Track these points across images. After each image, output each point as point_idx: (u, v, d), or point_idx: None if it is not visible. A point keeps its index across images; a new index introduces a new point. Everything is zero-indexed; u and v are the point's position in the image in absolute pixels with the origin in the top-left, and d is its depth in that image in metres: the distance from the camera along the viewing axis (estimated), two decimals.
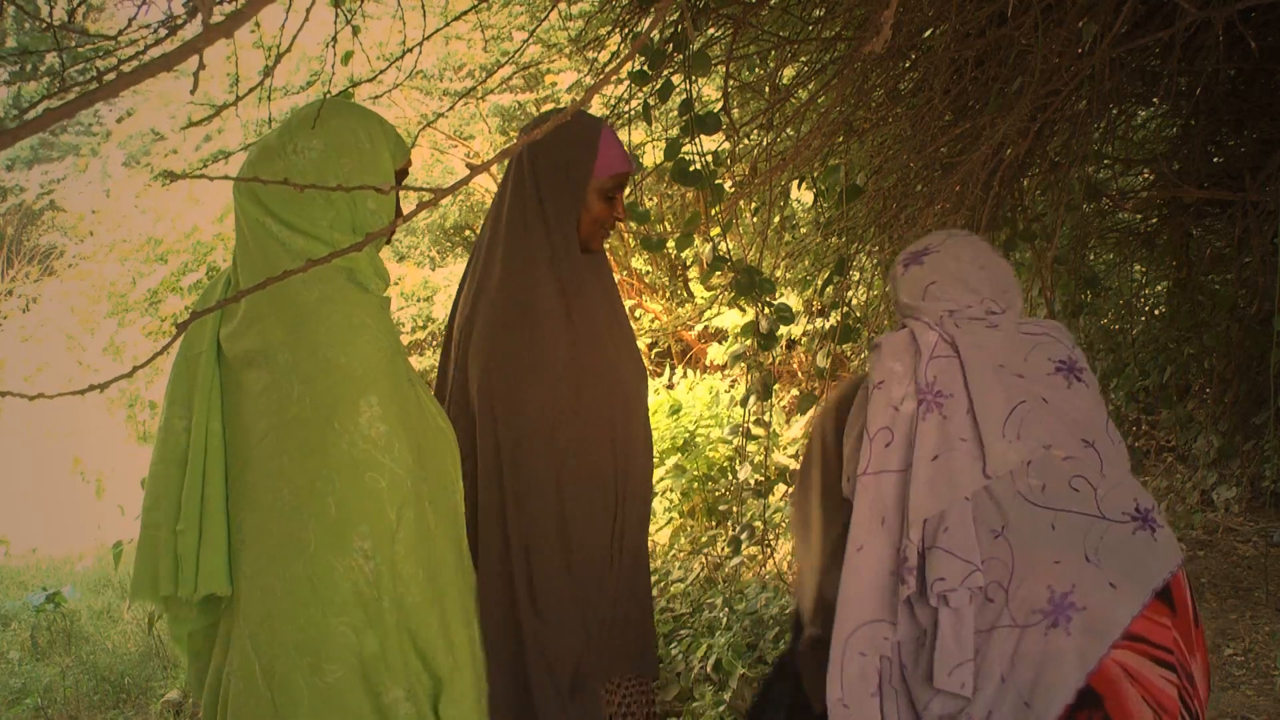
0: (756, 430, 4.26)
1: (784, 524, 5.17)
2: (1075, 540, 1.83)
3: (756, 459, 4.73)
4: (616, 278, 11.92)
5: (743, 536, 4.38)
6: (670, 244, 3.87)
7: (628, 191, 2.26)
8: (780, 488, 5.10)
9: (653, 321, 11.98)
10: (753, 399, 3.98)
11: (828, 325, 4.59)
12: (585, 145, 2.19)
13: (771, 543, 4.72)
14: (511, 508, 2.12)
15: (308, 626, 1.67)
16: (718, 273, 3.71)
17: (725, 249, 3.67)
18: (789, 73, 4.85)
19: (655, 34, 3.37)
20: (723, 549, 5.22)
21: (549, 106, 12.01)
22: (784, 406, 7.33)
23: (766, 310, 3.66)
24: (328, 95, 1.99)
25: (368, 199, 1.77)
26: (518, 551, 2.12)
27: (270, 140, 1.80)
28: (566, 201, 2.18)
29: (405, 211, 1.99)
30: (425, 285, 13.19)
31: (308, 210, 1.73)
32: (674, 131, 3.73)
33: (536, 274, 2.17)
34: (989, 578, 1.81)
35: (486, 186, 12.61)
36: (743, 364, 4.03)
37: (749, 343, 3.83)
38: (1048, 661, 1.75)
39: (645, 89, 3.62)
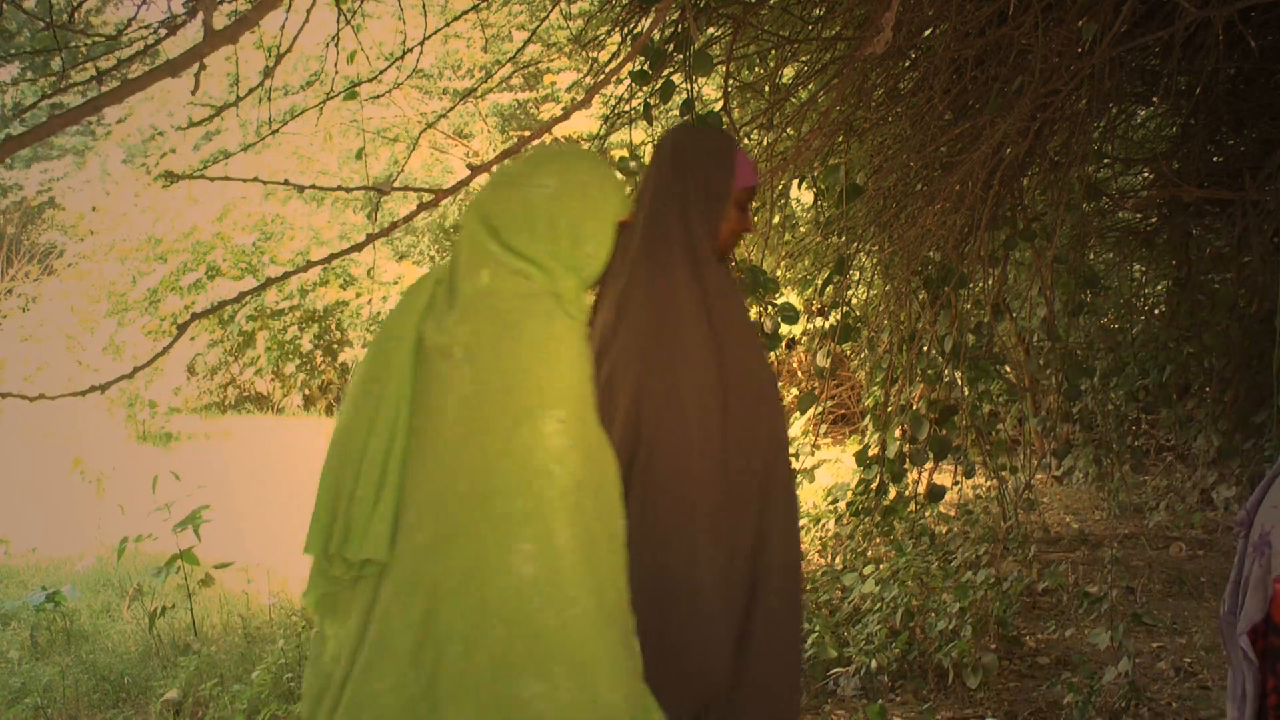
0: None
1: None
2: None
3: None
4: None
5: None
6: None
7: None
8: None
9: None
10: None
11: (828, 324, 4.59)
12: (725, 159, 2.27)
13: None
14: (650, 522, 2.13)
15: (466, 614, 1.76)
16: None
17: None
18: (789, 72, 4.85)
19: (655, 34, 3.37)
20: None
21: (549, 106, 12.01)
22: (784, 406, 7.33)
23: (770, 310, 3.65)
24: (541, 129, 2.04)
25: (588, 243, 1.89)
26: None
27: (513, 170, 1.95)
28: (710, 213, 2.25)
29: (412, 216, 2.01)
30: None
31: (532, 241, 1.86)
32: None
33: (678, 281, 2.21)
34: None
35: None
36: None
37: None
38: (1251, 586, 2.15)
39: (646, 89, 3.62)
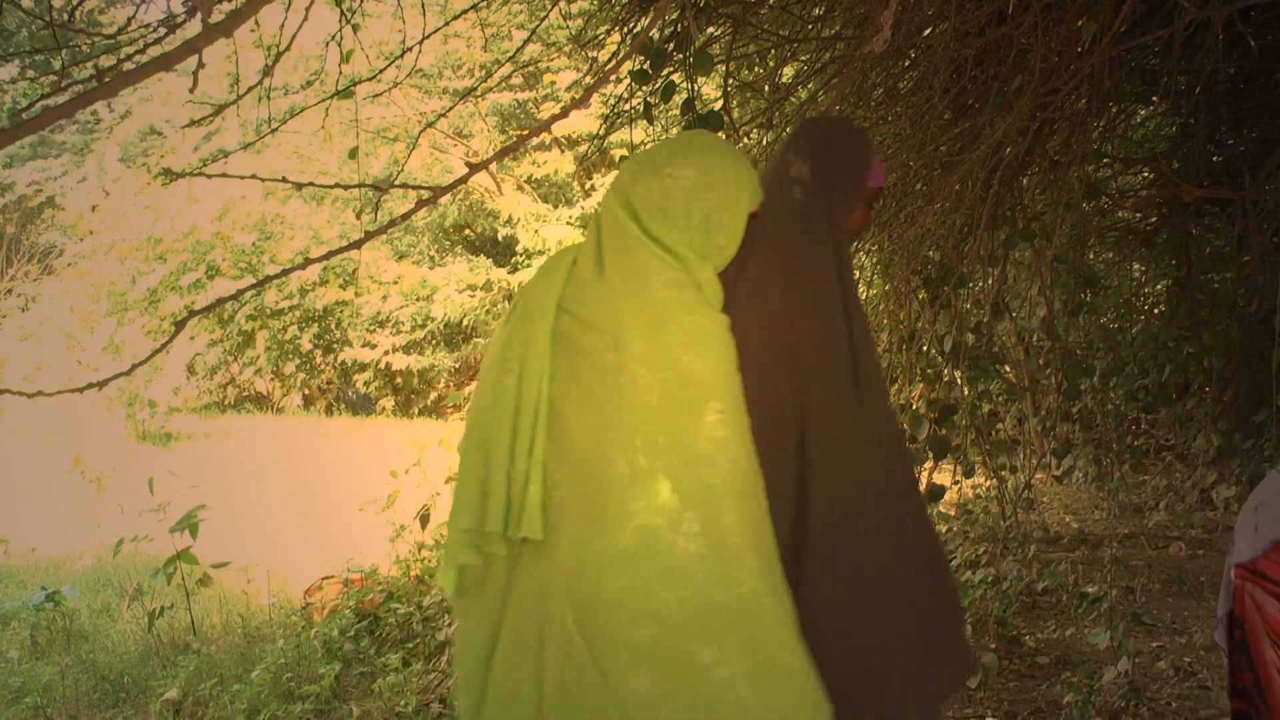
0: None
1: None
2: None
3: None
4: None
5: None
6: None
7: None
8: None
9: None
10: None
11: None
12: (865, 157, 2.31)
13: None
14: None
15: (631, 589, 1.80)
16: None
17: None
18: (789, 72, 4.85)
19: (655, 33, 3.37)
20: None
21: (548, 105, 12.01)
22: None
23: None
24: (685, 120, 2.02)
25: (719, 234, 1.95)
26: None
27: (654, 157, 2.00)
28: (846, 207, 2.29)
29: (410, 214, 2.01)
30: (424, 284, 13.18)
31: (669, 228, 1.93)
32: (674, 131, 3.72)
33: (816, 271, 2.23)
34: None
35: (485, 186, 12.61)
36: None
37: None
38: (1223, 583, 2.23)
39: (645, 88, 3.62)
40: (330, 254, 1.10)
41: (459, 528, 1.94)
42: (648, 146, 2.05)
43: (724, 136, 4.04)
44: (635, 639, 1.80)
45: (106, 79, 3.09)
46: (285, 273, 1.11)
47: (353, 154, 4.96)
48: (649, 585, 1.80)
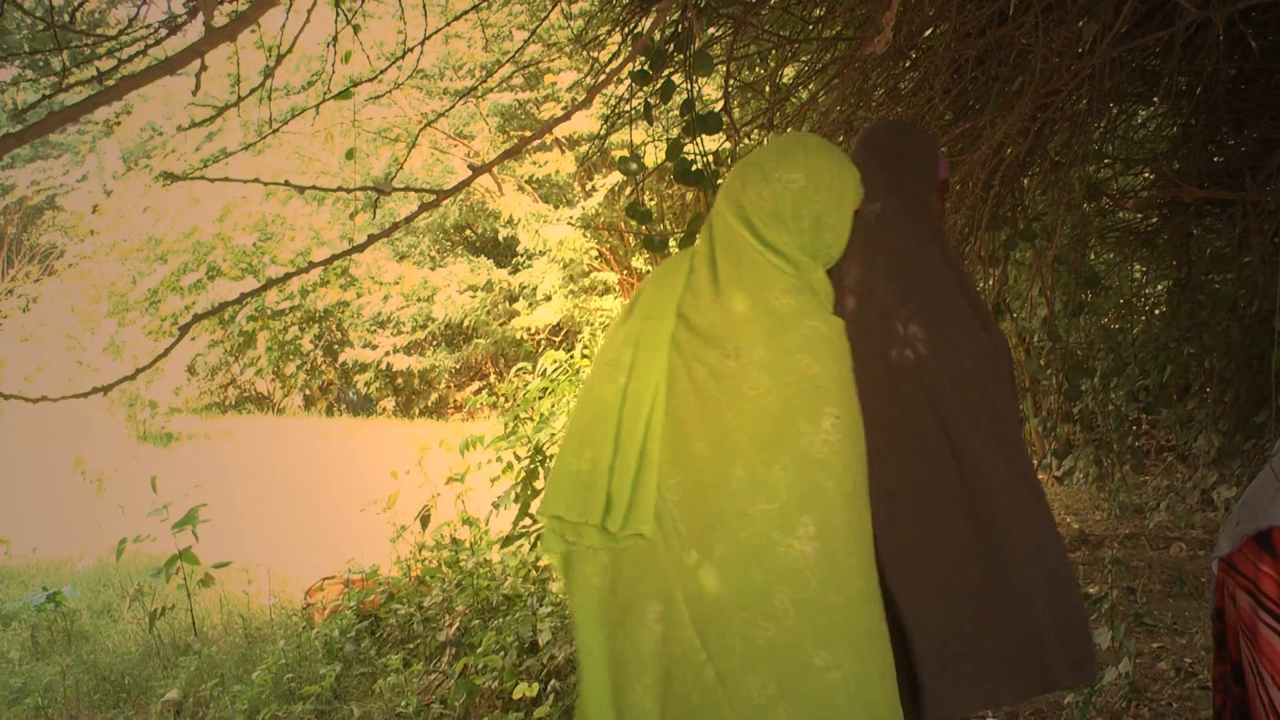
0: None
1: None
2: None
3: None
4: (616, 277, 11.81)
5: None
6: (673, 243, 3.86)
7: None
8: None
9: None
10: None
11: None
12: (932, 151, 2.41)
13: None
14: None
15: (748, 590, 1.85)
16: None
17: None
18: (789, 72, 4.85)
19: (656, 34, 3.37)
20: None
21: (549, 106, 12.01)
22: None
23: None
24: (774, 124, 2.01)
25: (828, 233, 1.99)
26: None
27: (761, 162, 2.03)
28: (930, 199, 2.38)
29: (413, 217, 2.02)
30: (425, 285, 13.18)
31: (781, 232, 1.97)
32: (675, 131, 3.73)
33: (927, 261, 2.31)
34: None
35: (486, 186, 12.60)
36: None
37: None
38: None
39: (646, 89, 3.62)
40: (334, 257, 1.10)
41: (547, 514, 2.00)
42: (751, 153, 2.07)
43: (724, 137, 4.04)
44: (752, 640, 1.85)
45: (108, 80, 3.09)
46: (288, 276, 1.12)
47: (350, 155, 4.98)
48: (766, 587, 1.85)
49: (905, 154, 2.36)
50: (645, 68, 3.47)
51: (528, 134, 2.26)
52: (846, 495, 1.89)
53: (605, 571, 1.98)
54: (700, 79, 3.68)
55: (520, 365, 9.13)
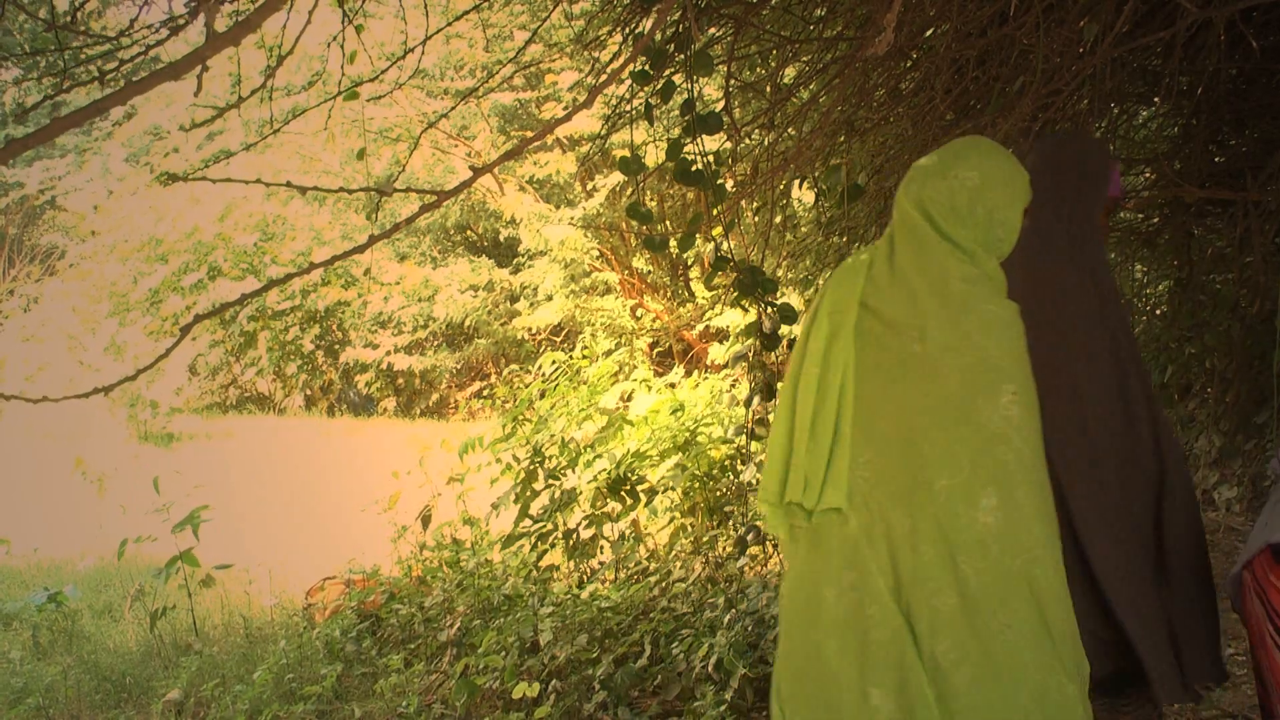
0: (760, 430, 4.26)
1: None
2: None
3: (761, 457, 4.72)
4: (617, 277, 11.81)
5: (748, 538, 4.37)
6: (672, 244, 3.86)
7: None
8: None
9: (654, 321, 11.98)
10: (756, 399, 3.97)
11: None
12: (1108, 169, 2.52)
13: (774, 541, 4.72)
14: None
15: (936, 562, 2.01)
16: (720, 273, 3.71)
17: (728, 249, 3.67)
18: (790, 72, 4.85)
19: (657, 34, 3.37)
20: (724, 548, 5.22)
21: (550, 106, 12.01)
22: None
23: (769, 310, 3.65)
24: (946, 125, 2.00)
25: (999, 228, 2.14)
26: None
27: (939, 162, 2.20)
28: (1093, 211, 2.51)
29: (415, 217, 2.04)
30: (426, 284, 13.18)
31: (958, 226, 2.12)
32: (675, 131, 3.73)
33: (1066, 263, 2.46)
34: None
35: (487, 186, 12.60)
36: (744, 363, 4.02)
37: (751, 343, 3.82)
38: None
39: (647, 89, 3.62)
40: (335, 258, 1.10)
41: (762, 500, 2.16)
42: (929, 155, 2.26)
43: (724, 137, 4.04)
44: (938, 608, 2.00)
45: (109, 80, 3.09)
46: (290, 277, 1.12)
47: (360, 155, 4.97)
48: (952, 557, 2.00)
49: (1078, 165, 2.49)
50: (646, 68, 3.47)
51: (529, 134, 2.26)
52: (1026, 468, 2.03)
53: (808, 544, 2.14)
54: (701, 79, 3.69)
55: (512, 367, 9.11)
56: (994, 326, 2.07)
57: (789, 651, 2.18)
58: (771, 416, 4.36)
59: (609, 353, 9.20)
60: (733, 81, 3.94)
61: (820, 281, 4.79)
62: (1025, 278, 2.41)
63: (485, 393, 11.68)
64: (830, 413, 2.09)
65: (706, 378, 7.29)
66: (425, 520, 5.56)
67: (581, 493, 5.35)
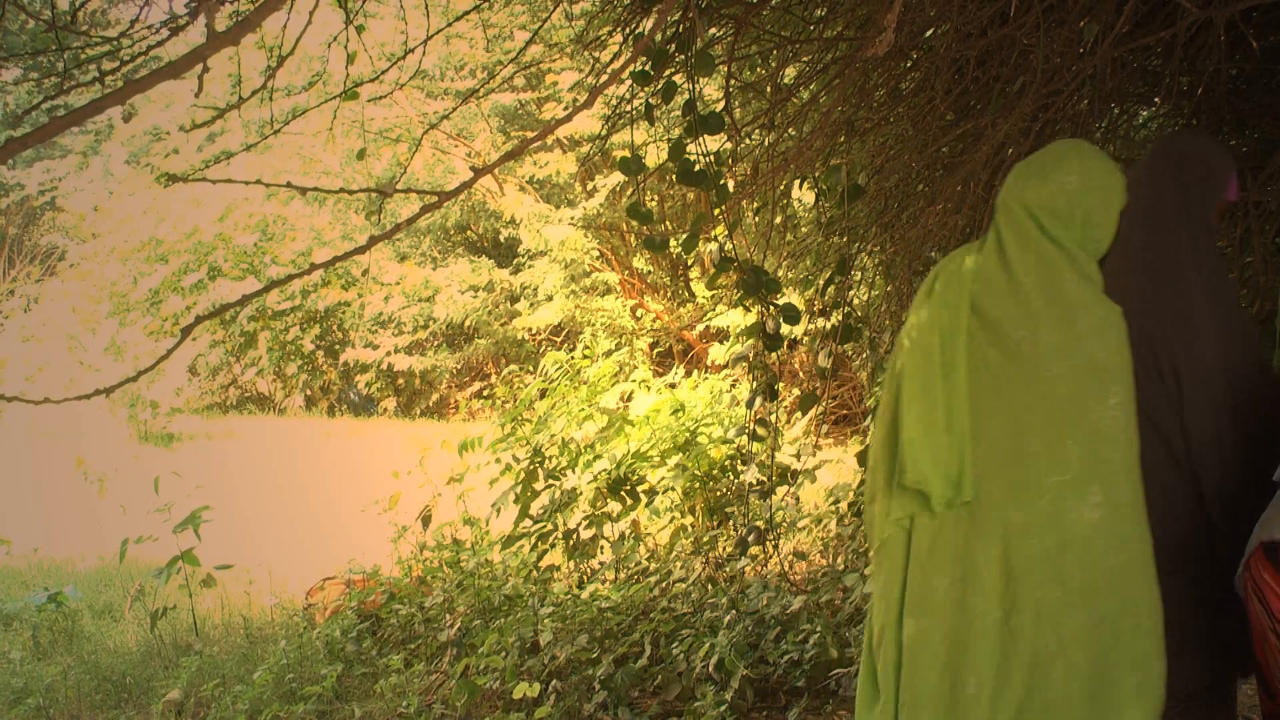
0: (761, 430, 4.26)
1: (786, 524, 5.17)
2: None
3: (762, 457, 4.73)
4: (618, 278, 11.79)
5: (749, 539, 4.37)
6: (673, 244, 3.87)
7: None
8: (783, 489, 5.10)
9: (654, 321, 11.97)
10: (759, 400, 3.97)
11: (829, 325, 4.59)
12: (1226, 168, 2.58)
13: (775, 541, 4.72)
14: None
15: (1042, 556, 2.10)
16: (724, 273, 3.71)
17: (730, 249, 3.67)
18: (791, 73, 4.85)
19: (658, 34, 3.37)
20: (724, 548, 5.22)
21: (551, 106, 12.01)
22: (785, 406, 7.32)
23: (772, 310, 3.65)
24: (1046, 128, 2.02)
25: (1097, 229, 2.21)
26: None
27: (1042, 164, 2.28)
28: (1207, 213, 2.55)
29: (415, 218, 2.03)
30: (426, 285, 13.17)
31: (1059, 227, 2.20)
32: (676, 132, 3.73)
33: (1186, 265, 2.48)
34: None
35: (487, 187, 12.59)
36: (744, 364, 4.03)
37: (752, 343, 3.82)
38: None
39: (647, 89, 3.62)
40: (336, 259, 1.10)
41: (908, 483, 2.19)
42: (1030, 157, 2.35)
43: (725, 138, 4.05)
44: (1041, 600, 2.09)
45: (110, 80, 3.09)
46: (291, 278, 1.12)
47: (360, 155, 4.97)
48: (1059, 553, 2.09)
49: (1197, 166, 2.53)
50: (646, 68, 3.48)
51: (529, 134, 2.26)
52: (1129, 467, 2.13)
53: (929, 535, 2.20)
54: (701, 79, 3.69)
55: (511, 368, 9.10)
56: (1103, 329, 2.15)
57: (892, 640, 2.25)
58: (772, 417, 4.37)
59: (609, 353, 9.21)
60: (733, 81, 3.94)
61: (820, 281, 4.78)
62: (1149, 279, 2.46)
63: (485, 393, 11.66)
64: (960, 408, 2.17)
65: (706, 378, 7.29)
66: (425, 520, 5.57)
67: (582, 493, 5.36)
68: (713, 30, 3.90)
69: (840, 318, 4.43)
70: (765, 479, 4.51)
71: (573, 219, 11.66)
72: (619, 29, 3.88)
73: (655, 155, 7.30)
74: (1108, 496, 2.10)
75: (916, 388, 2.23)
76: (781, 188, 4.67)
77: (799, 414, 7.33)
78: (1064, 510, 2.10)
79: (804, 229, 6.54)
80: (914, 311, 2.33)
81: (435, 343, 13.81)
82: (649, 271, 12.27)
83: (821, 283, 4.56)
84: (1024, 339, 2.15)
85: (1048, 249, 2.19)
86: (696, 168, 3.50)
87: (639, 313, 11.95)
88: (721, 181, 3.63)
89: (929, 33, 4.07)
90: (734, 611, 4.15)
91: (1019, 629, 2.10)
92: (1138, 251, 2.47)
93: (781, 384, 7.36)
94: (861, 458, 5.11)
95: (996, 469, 2.15)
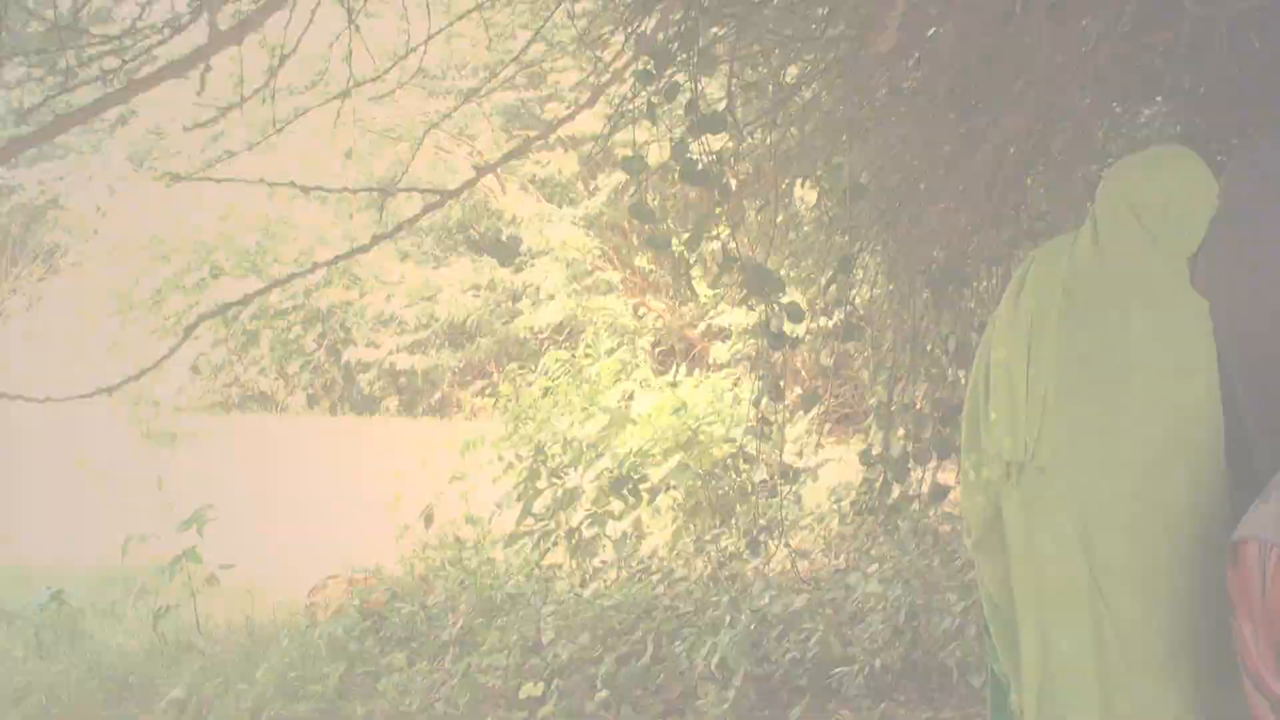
0: (765, 429, 4.26)
1: (789, 523, 5.16)
2: None
3: (771, 456, 4.72)
4: (620, 276, 11.75)
5: (761, 537, 4.36)
6: (675, 243, 3.88)
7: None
8: (785, 488, 5.10)
9: (656, 320, 11.97)
10: (764, 399, 3.97)
11: (831, 324, 4.59)
12: None
13: (784, 539, 4.71)
14: None
15: (1126, 528, 2.20)
16: (728, 272, 3.71)
17: (734, 248, 3.67)
18: (793, 71, 4.85)
19: (659, 33, 3.37)
20: (726, 547, 5.22)
21: (552, 105, 12.00)
22: (787, 405, 7.32)
23: (776, 309, 3.65)
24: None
25: (1188, 231, 2.32)
26: None
27: (1138, 165, 2.47)
28: None
29: (418, 217, 2.03)
30: (428, 284, 13.17)
31: (1161, 225, 2.32)
32: (678, 131, 3.73)
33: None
34: None
35: (489, 186, 12.59)
36: (745, 363, 4.02)
37: (754, 342, 3.82)
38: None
39: (649, 88, 3.62)
40: (338, 258, 1.10)
41: (990, 452, 2.35)
42: (1130, 157, 2.55)
43: (727, 137, 4.04)
44: (1127, 569, 2.20)
45: (112, 80, 3.10)
46: (293, 277, 1.12)
47: (349, 154, 4.97)
48: (1141, 527, 2.20)
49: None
50: (648, 67, 3.48)
51: (531, 133, 2.27)
52: (1213, 450, 2.21)
53: (1020, 499, 2.32)
54: (704, 78, 3.69)
55: (513, 365, 9.11)
56: (1192, 318, 2.26)
57: (1004, 600, 2.40)
58: (776, 416, 4.37)
59: (611, 351, 9.21)
60: (735, 80, 3.94)
61: (822, 280, 4.79)
62: (1249, 280, 2.45)
63: (488, 391, 11.66)
64: (1039, 391, 2.29)
65: (708, 376, 7.29)
66: (428, 519, 5.57)
67: (584, 491, 5.36)
68: (715, 29, 3.90)
69: (842, 316, 4.43)
70: (769, 477, 4.51)
71: (575, 218, 11.66)
72: (621, 28, 3.88)
73: (658, 154, 7.29)
74: (1195, 476, 2.20)
75: (1001, 373, 2.37)
76: (784, 186, 4.67)
77: (801, 413, 7.32)
78: (1150, 489, 2.21)
79: (806, 228, 6.53)
80: (1007, 299, 2.46)
81: (437, 342, 13.81)
82: (651, 270, 12.26)
83: (824, 281, 4.56)
84: (1118, 327, 2.27)
85: (1142, 241, 2.32)
86: (699, 167, 3.50)
87: (641, 311, 11.95)
88: (724, 180, 3.63)
89: (931, 32, 4.07)
90: (736, 610, 4.15)
91: (1109, 591, 2.22)
92: (1231, 250, 2.48)
93: (783, 383, 7.37)
94: (864, 456, 5.11)
95: (1084, 442, 2.27)
